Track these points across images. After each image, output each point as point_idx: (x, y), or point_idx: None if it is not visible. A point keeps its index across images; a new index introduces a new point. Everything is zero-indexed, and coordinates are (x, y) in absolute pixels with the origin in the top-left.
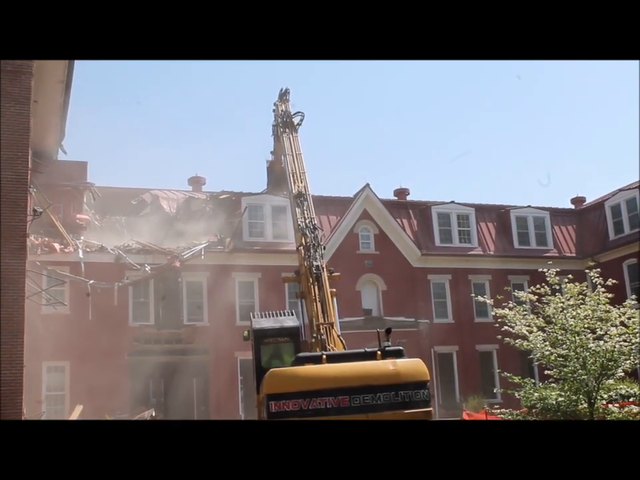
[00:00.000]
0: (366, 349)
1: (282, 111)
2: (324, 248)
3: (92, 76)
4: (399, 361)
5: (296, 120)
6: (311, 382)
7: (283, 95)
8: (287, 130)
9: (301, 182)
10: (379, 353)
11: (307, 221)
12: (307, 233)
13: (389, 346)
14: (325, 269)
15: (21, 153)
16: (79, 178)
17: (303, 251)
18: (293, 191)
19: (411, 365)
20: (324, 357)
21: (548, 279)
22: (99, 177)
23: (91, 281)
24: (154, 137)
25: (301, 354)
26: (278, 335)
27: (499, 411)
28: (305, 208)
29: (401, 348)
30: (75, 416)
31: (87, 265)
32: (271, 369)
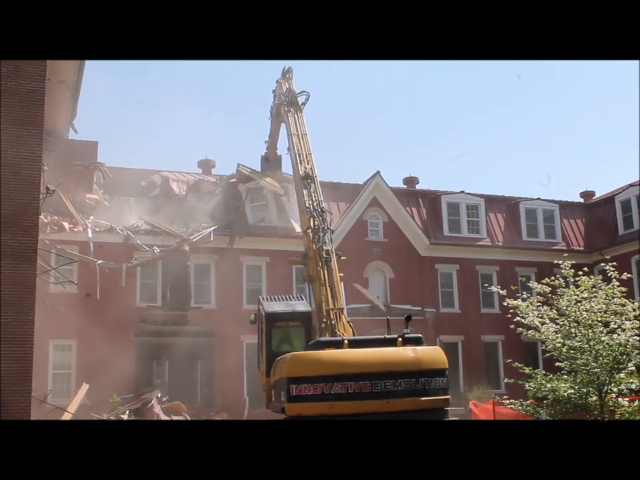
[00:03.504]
0: (386, 336)
1: (286, 89)
2: (332, 232)
3: None
4: (419, 348)
5: (301, 99)
6: (333, 366)
7: (286, 73)
8: (292, 109)
9: (307, 163)
10: (399, 339)
11: (314, 204)
12: (315, 215)
13: (408, 333)
14: (334, 253)
15: (35, 130)
16: (90, 158)
17: (310, 234)
18: (299, 172)
19: (430, 353)
20: (345, 342)
21: (563, 271)
22: (109, 157)
23: (100, 261)
24: (165, 118)
25: (321, 338)
26: (290, 319)
27: (508, 401)
28: (312, 190)
29: (420, 335)
30: (80, 394)
31: (95, 244)
32: (292, 353)
